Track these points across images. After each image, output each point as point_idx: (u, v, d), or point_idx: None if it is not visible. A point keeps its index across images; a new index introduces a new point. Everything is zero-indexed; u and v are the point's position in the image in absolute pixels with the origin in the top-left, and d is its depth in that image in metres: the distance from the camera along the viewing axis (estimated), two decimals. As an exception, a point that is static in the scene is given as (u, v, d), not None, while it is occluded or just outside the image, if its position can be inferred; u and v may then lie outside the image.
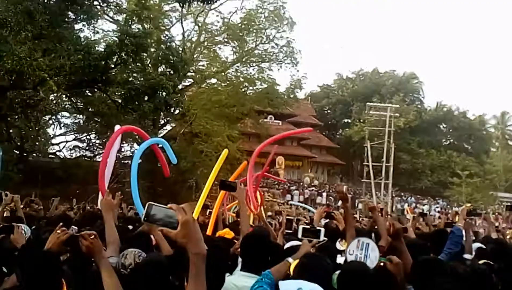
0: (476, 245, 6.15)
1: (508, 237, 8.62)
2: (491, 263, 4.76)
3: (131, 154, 32.99)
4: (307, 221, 10.36)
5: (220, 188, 5.58)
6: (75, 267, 3.29)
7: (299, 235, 4.37)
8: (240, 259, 4.21)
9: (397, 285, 3.74)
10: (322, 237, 4.25)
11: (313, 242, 4.13)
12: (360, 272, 3.18)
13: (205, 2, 15.57)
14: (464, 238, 5.89)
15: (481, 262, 4.81)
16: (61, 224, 4.18)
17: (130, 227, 5.64)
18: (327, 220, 6.57)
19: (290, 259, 3.67)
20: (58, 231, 3.36)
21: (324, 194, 41.32)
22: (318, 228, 4.38)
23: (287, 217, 6.47)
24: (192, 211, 2.01)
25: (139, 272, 3.48)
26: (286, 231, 5.94)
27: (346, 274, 3.15)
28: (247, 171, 10.81)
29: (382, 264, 3.85)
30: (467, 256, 5.60)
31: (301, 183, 44.63)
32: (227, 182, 5.77)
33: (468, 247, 5.85)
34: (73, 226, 6.47)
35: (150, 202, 2.00)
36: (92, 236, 3.14)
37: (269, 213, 15.66)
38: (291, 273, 3.24)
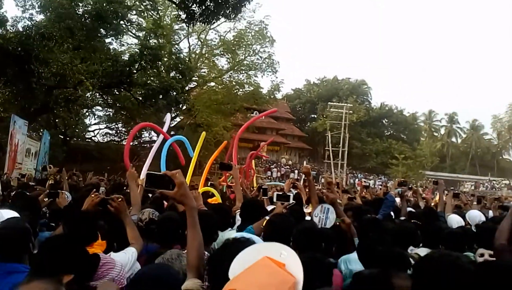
0: (408, 209, 6.24)
1: (432, 204, 8.70)
2: (418, 222, 4.85)
3: (149, 140, 32.97)
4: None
5: (220, 168, 5.61)
6: (108, 221, 3.28)
7: (274, 199, 4.42)
8: (238, 218, 4.27)
9: (347, 238, 3.85)
10: (291, 200, 4.29)
11: (284, 204, 4.17)
12: (313, 229, 3.16)
13: (206, 23, 15.45)
14: (397, 204, 6.00)
15: (412, 221, 4.91)
16: (94, 190, 4.17)
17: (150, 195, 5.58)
18: (296, 191, 6.57)
19: (267, 217, 3.70)
20: (92, 195, 3.36)
21: (296, 171, 41.51)
22: (288, 193, 4.47)
23: (264, 187, 6.47)
24: (182, 175, 2.01)
25: (155, 224, 3.49)
26: (263, 197, 5.99)
27: (301, 231, 3.06)
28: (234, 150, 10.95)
29: (338, 223, 3.98)
30: (402, 218, 5.68)
31: (279, 163, 44.82)
32: (225, 163, 5.83)
33: (403, 211, 5.92)
34: (101, 188, 6.46)
35: (148, 172, 2.01)
36: (120, 199, 3.14)
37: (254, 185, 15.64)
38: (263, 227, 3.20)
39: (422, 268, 1.81)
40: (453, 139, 70.23)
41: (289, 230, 3.07)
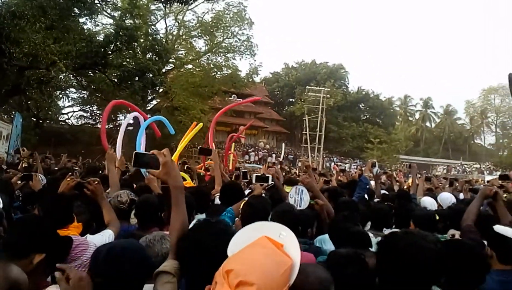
0: (382, 192, 6.42)
1: (405, 187, 8.93)
2: (391, 204, 5.00)
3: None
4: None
5: (199, 153, 5.62)
6: (85, 203, 3.27)
7: (253, 181, 4.44)
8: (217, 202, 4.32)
9: (321, 218, 3.98)
10: (270, 181, 4.31)
11: (263, 185, 4.18)
12: (290, 211, 3.18)
13: (184, 4, 15.19)
14: (371, 186, 6.16)
15: (386, 203, 5.05)
16: (70, 173, 4.14)
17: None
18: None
19: (246, 199, 3.77)
20: (68, 179, 3.35)
21: (274, 155, 41.74)
22: (267, 175, 4.42)
23: (244, 170, 6.53)
24: (171, 155, 1.99)
25: (135, 205, 3.50)
26: (243, 181, 6.04)
27: (277, 213, 3.10)
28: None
29: (312, 204, 4.08)
30: (376, 200, 5.83)
31: (257, 147, 44.88)
32: (205, 148, 5.82)
33: (377, 193, 6.10)
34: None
35: (136, 151, 2.00)
36: (96, 182, 3.14)
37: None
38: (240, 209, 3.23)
39: (387, 245, 1.85)
40: (427, 124, 71.54)
41: (267, 212, 3.09)
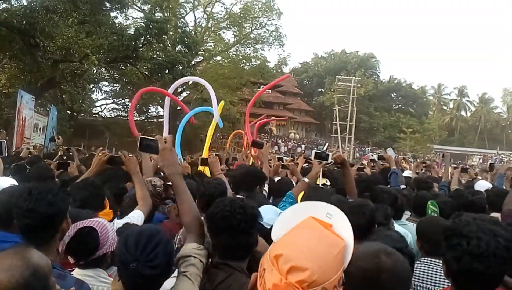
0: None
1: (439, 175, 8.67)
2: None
3: (156, 115, 32.98)
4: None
5: (252, 146, 5.53)
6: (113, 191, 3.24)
7: (312, 157, 4.15)
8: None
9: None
10: (330, 160, 3.92)
11: (322, 163, 3.86)
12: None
13: (212, -5, 15.29)
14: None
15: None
16: (101, 148, 4.14)
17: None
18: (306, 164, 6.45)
19: (305, 179, 3.65)
20: (100, 154, 3.34)
21: (303, 145, 41.51)
22: (327, 152, 4.04)
23: (278, 158, 6.52)
24: (173, 142, 2.01)
25: None
26: (282, 165, 5.92)
27: None
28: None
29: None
30: (402, 186, 5.72)
31: (286, 138, 44.76)
32: (257, 141, 5.75)
33: (401, 180, 5.96)
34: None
35: (141, 136, 2.05)
36: (130, 155, 3.11)
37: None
38: (299, 202, 3.09)
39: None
40: (462, 113, 69.44)
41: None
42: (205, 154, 8.20)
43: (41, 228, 1.86)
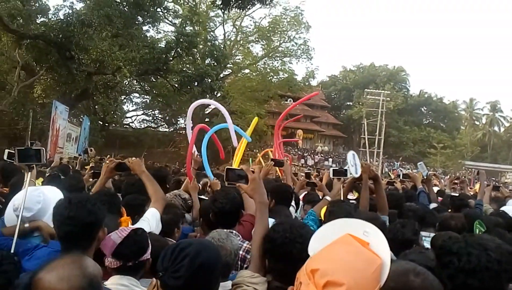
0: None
1: (471, 193, 8.39)
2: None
3: (184, 126, 33.36)
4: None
5: (274, 165, 5.57)
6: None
7: (331, 175, 4.17)
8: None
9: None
10: (348, 175, 3.97)
11: (341, 180, 3.92)
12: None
13: (241, 9, 15.34)
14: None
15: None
16: (108, 155, 4.20)
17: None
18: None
19: (327, 197, 3.68)
20: (107, 162, 3.40)
21: (330, 159, 41.10)
22: (345, 168, 4.07)
23: (305, 173, 6.43)
24: (259, 172, 2.22)
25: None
26: (307, 181, 5.84)
27: None
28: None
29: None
30: (432, 205, 5.53)
31: (313, 151, 44.46)
32: (278, 160, 5.87)
33: (433, 198, 5.76)
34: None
35: (227, 167, 2.29)
36: (134, 158, 3.24)
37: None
38: (322, 217, 3.12)
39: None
40: (495, 128, 67.20)
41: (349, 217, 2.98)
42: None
43: (81, 236, 1.92)
